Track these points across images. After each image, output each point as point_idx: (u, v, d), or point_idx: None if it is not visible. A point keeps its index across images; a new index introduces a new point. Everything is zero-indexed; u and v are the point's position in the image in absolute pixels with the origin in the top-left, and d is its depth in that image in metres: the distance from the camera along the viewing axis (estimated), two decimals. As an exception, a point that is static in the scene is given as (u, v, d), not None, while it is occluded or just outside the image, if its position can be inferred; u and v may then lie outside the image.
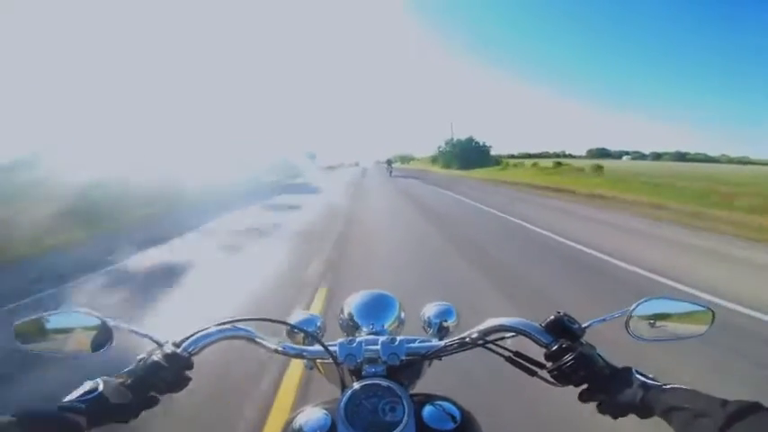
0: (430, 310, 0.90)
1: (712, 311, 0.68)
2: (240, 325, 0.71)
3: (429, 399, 0.71)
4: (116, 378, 0.59)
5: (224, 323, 0.69)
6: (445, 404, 0.70)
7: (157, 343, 0.64)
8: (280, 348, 0.74)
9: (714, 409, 0.48)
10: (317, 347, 0.72)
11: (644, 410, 0.55)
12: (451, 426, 0.66)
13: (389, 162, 35.86)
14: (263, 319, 0.72)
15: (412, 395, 0.69)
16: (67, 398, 0.53)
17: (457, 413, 0.69)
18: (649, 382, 0.56)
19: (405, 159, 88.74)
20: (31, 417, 0.47)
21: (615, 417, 0.58)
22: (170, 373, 0.60)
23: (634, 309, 0.66)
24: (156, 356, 0.61)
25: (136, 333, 0.64)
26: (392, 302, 0.88)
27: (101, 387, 0.55)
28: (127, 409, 0.56)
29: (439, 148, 49.08)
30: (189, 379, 0.62)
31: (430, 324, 0.88)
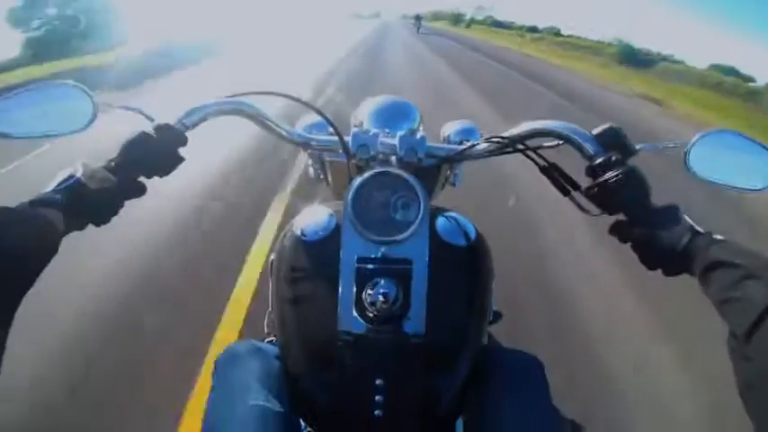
0: (451, 127, 0.81)
1: None
2: (244, 99, 0.60)
3: (443, 211, 0.65)
4: (98, 163, 0.51)
5: (228, 97, 0.60)
6: (461, 219, 0.65)
7: (148, 118, 0.55)
8: (285, 132, 0.65)
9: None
10: (328, 136, 0.65)
11: (681, 260, 0.46)
12: (464, 243, 0.62)
13: (418, 18, 30.61)
14: (275, 93, 0.61)
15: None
16: (45, 190, 0.46)
17: (472, 230, 0.64)
18: (697, 228, 0.47)
19: (432, 16, 78.32)
20: (1, 216, 0.40)
21: (649, 265, 0.50)
22: (161, 148, 0.52)
23: (697, 140, 0.55)
24: (147, 129, 0.52)
25: (124, 108, 0.55)
26: (411, 110, 0.77)
27: (79, 173, 0.47)
28: (108, 198, 0.49)
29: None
30: (181, 159, 0.55)
31: (449, 142, 0.80)
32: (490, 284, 0.66)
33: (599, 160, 0.53)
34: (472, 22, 64.93)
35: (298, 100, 0.64)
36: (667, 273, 0.49)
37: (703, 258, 0.44)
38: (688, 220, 0.49)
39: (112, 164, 0.51)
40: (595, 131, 0.56)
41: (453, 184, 0.83)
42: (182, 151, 0.55)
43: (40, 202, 0.44)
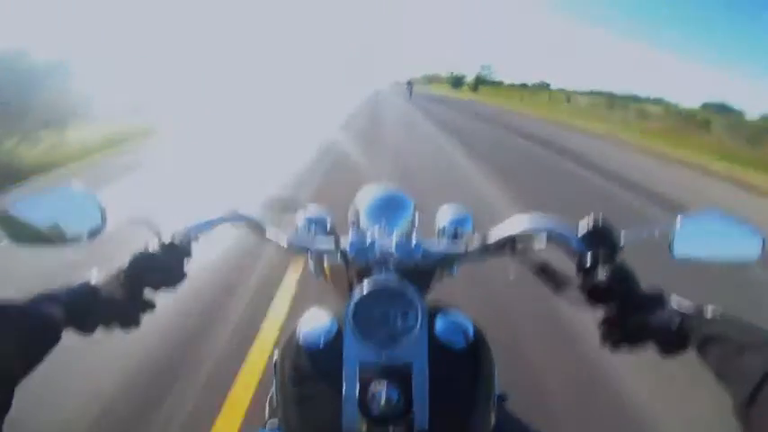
0: (445, 215, 0.84)
1: (763, 239, 0.59)
2: (243, 212, 0.65)
3: (442, 310, 0.66)
4: (109, 272, 0.54)
5: (228, 211, 0.64)
6: (460, 318, 0.66)
7: (155, 231, 0.58)
8: (284, 241, 0.68)
9: (762, 342, 0.41)
10: (326, 243, 0.67)
11: (675, 341, 0.48)
12: (463, 344, 0.62)
13: (410, 84, 31.52)
14: (270, 205, 0.67)
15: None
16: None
17: (471, 331, 0.64)
18: (689, 309, 0.49)
19: (427, 80, 73.43)
20: (3, 309, 0.43)
21: (638, 345, 0.52)
22: (166, 264, 0.55)
23: (679, 223, 0.58)
24: (152, 246, 0.56)
25: (132, 220, 0.57)
26: (406, 203, 0.81)
27: (91, 280, 0.51)
28: (118, 308, 0.52)
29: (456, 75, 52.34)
30: (185, 274, 0.58)
31: (444, 231, 0.82)
32: (492, 377, 0.66)
33: (587, 258, 0.55)
34: (479, 82, 57.72)
35: (293, 210, 0.72)
36: (665, 352, 0.50)
37: (697, 335, 0.46)
38: (675, 300, 0.51)
39: (121, 276, 0.54)
40: (581, 227, 0.59)
41: (451, 274, 0.85)
42: (187, 261, 0.58)
43: (43, 297, 0.46)
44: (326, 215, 0.80)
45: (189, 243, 0.59)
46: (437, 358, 0.58)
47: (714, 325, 0.46)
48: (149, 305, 0.56)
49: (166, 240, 0.57)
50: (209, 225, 0.62)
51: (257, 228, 0.66)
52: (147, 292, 0.55)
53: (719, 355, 0.44)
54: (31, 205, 0.56)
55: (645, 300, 0.52)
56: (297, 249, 0.69)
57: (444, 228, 0.82)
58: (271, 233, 0.67)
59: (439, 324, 0.63)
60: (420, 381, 0.56)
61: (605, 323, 0.54)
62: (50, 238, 0.57)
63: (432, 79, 71.78)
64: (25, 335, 0.43)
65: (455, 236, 0.81)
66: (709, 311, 0.48)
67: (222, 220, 0.63)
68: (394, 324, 0.58)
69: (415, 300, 0.58)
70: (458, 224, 0.82)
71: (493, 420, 0.65)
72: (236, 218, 0.64)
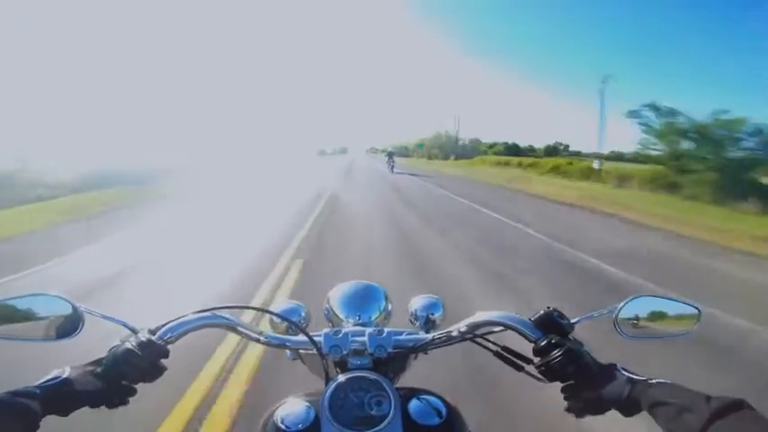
0: (417, 302, 0.89)
1: (698, 310, 0.69)
2: (220, 313, 0.68)
3: (415, 393, 0.70)
4: (85, 366, 0.57)
5: (204, 311, 0.67)
6: (431, 399, 0.69)
7: (132, 330, 0.61)
8: (262, 338, 0.72)
9: (699, 404, 0.48)
10: (301, 337, 0.70)
11: (629, 406, 0.55)
12: (437, 421, 0.65)
13: (391, 155, 25.67)
14: (246, 306, 0.72)
15: (397, 389, 0.68)
16: (30, 385, 0.51)
17: (443, 408, 0.68)
18: (635, 377, 0.56)
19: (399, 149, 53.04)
20: None
21: (600, 412, 0.58)
22: (144, 361, 0.57)
23: (623, 306, 0.66)
24: (130, 344, 0.58)
25: (109, 319, 0.61)
26: (379, 294, 0.86)
27: (65, 374, 0.53)
28: (95, 397, 0.54)
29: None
30: (164, 369, 0.60)
31: (417, 317, 0.87)
32: None
33: (541, 344, 0.62)
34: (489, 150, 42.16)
35: (267, 311, 0.77)
36: (623, 415, 0.56)
37: (646, 400, 0.53)
38: (625, 372, 0.57)
39: (98, 369, 0.56)
40: (534, 318, 0.66)
41: (425, 352, 0.88)
42: (165, 362, 0.60)
43: (20, 393, 0.49)
44: (301, 307, 0.84)
45: (165, 343, 0.61)
46: None
47: (657, 390, 0.53)
48: (129, 391, 0.58)
49: (144, 338, 0.59)
50: (187, 327, 0.64)
51: (235, 327, 0.70)
52: (124, 383, 0.57)
53: (665, 417, 0.50)
54: (9, 304, 0.61)
55: (598, 373, 0.59)
56: (274, 345, 0.72)
57: (416, 314, 0.87)
58: (248, 332, 0.71)
59: (412, 406, 0.66)
60: None
61: (566, 396, 0.61)
62: (29, 335, 0.61)
63: (401, 150, 55.50)
64: (3, 425, 0.45)
65: (427, 321, 0.86)
66: (654, 380, 0.55)
67: (200, 321, 0.66)
68: (369, 411, 0.61)
69: (388, 388, 0.63)
70: (429, 310, 0.87)
71: None
72: (214, 320, 0.67)
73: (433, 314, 0.86)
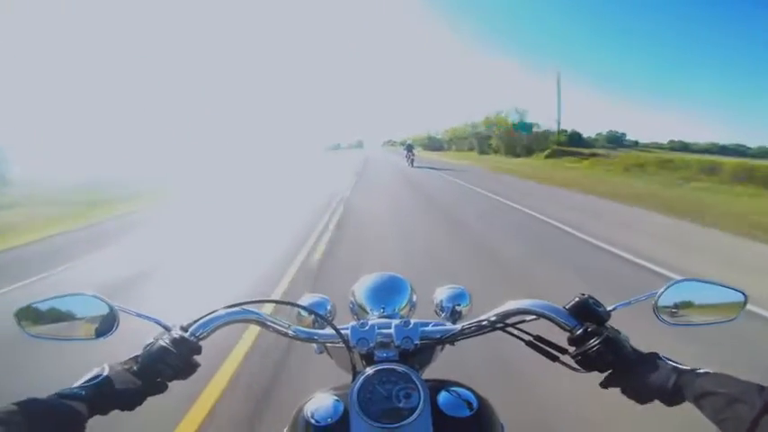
0: (442, 293, 0.87)
1: (745, 295, 0.65)
2: (249, 307, 0.68)
3: (444, 385, 0.68)
4: (122, 364, 0.58)
5: (233, 306, 0.67)
6: (461, 390, 0.67)
7: (165, 327, 0.62)
8: (290, 332, 0.71)
9: (751, 394, 0.47)
10: (328, 331, 0.70)
11: (673, 396, 0.53)
12: (468, 413, 0.64)
13: (410, 148, 22.25)
14: (273, 300, 0.71)
15: (426, 381, 0.67)
16: (73, 385, 0.52)
17: (474, 400, 0.66)
18: (680, 366, 0.54)
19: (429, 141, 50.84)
20: (31, 406, 0.47)
21: (641, 402, 0.56)
22: (177, 358, 0.58)
23: (663, 291, 0.63)
24: (164, 341, 0.59)
25: (143, 317, 0.62)
26: (404, 285, 0.85)
27: (105, 372, 0.55)
28: (133, 396, 0.55)
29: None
30: (197, 365, 0.61)
31: (442, 308, 0.85)
32: None
33: (577, 333, 0.60)
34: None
35: (294, 304, 0.75)
36: (667, 405, 0.55)
37: (692, 390, 0.51)
38: (669, 361, 0.55)
39: (135, 367, 0.58)
40: (568, 306, 0.63)
41: (453, 344, 0.87)
42: (197, 358, 0.61)
43: (67, 395, 0.50)
44: (326, 300, 0.84)
45: (197, 339, 0.62)
46: (444, 430, 0.61)
47: (707, 382, 0.51)
48: (162, 388, 0.59)
49: (177, 335, 0.60)
50: (218, 322, 0.65)
51: (263, 322, 0.70)
52: (159, 380, 0.58)
53: (715, 407, 0.49)
54: (48, 305, 0.63)
55: (639, 362, 0.57)
56: (302, 339, 0.72)
57: (442, 305, 0.86)
58: (276, 326, 0.71)
59: (442, 398, 0.65)
60: None
61: (603, 385, 0.59)
62: (68, 334, 0.64)
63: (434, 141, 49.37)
64: (52, 430, 0.47)
65: (453, 312, 0.84)
66: (701, 370, 0.53)
67: (231, 317, 0.66)
68: (397, 404, 0.60)
69: (417, 380, 0.62)
70: (455, 301, 0.85)
71: None
72: (244, 315, 0.68)
73: (459, 305, 0.85)
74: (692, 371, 0.53)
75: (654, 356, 0.57)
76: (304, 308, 0.76)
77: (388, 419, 0.59)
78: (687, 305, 0.65)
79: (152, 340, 0.60)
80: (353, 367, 0.68)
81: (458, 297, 0.86)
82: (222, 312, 0.66)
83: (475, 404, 0.65)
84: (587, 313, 0.61)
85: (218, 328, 0.65)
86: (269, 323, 0.70)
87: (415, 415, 0.59)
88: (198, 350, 0.61)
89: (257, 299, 0.69)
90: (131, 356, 0.59)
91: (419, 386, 0.61)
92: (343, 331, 0.67)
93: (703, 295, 0.66)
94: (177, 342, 0.59)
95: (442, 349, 0.85)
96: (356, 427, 0.59)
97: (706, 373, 0.52)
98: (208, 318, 0.64)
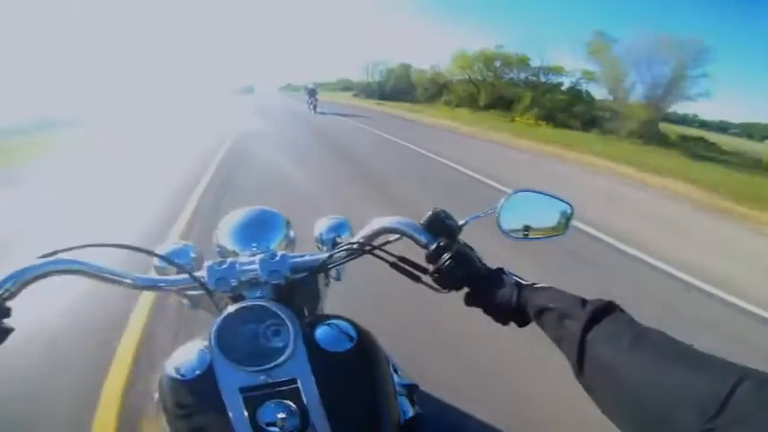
0: (322, 224, 0.83)
1: (571, 207, 0.70)
2: (69, 256, 0.55)
3: (321, 319, 0.65)
4: None
5: (49, 255, 0.54)
6: (341, 323, 0.64)
7: None
8: (128, 280, 0.61)
9: (576, 309, 0.48)
10: (182, 276, 0.61)
11: (520, 314, 0.54)
12: (348, 345, 0.61)
13: (313, 92, 17.69)
14: (111, 245, 0.56)
15: (305, 318, 0.64)
16: None
17: (353, 332, 0.63)
18: (522, 281, 0.55)
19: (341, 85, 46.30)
20: None
21: (502, 322, 0.57)
22: None
23: (503, 203, 0.65)
24: None
25: None
26: (277, 219, 0.77)
27: None
28: None
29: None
30: (9, 330, 0.50)
31: (323, 240, 0.82)
32: (385, 370, 0.66)
33: (431, 248, 0.60)
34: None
35: (129, 247, 0.61)
36: (519, 325, 0.56)
37: (531, 307, 0.52)
38: (512, 276, 0.57)
39: None
40: (423, 221, 0.63)
41: (338, 279, 0.83)
42: (8, 321, 0.50)
43: None
44: (189, 247, 0.75)
45: (2, 300, 0.51)
46: (323, 366, 0.58)
47: (541, 297, 0.52)
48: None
49: None
50: (25, 276, 0.52)
51: (89, 272, 0.58)
52: None
53: (549, 323, 0.49)
54: None
55: (487, 278, 0.57)
56: (145, 287, 0.63)
57: (322, 238, 0.82)
58: (109, 275, 0.60)
59: (319, 333, 0.62)
60: (310, 393, 0.55)
61: (467, 303, 0.59)
62: None
63: (347, 84, 43.82)
64: None
65: (334, 244, 0.80)
66: (538, 284, 0.54)
67: (43, 269, 0.54)
68: (265, 343, 0.56)
69: (283, 315, 0.57)
70: (335, 231, 0.82)
71: (406, 411, 0.66)
72: (62, 264, 0.55)
73: (340, 235, 0.81)
74: (531, 285, 0.53)
75: (499, 272, 0.57)
76: (153, 253, 0.65)
77: (256, 361, 0.55)
78: (523, 216, 0.68)
79: None
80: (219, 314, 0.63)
81: (338, 227, 0.83)
82: (29, 266, 0.53)
83: (354, 335, 0.63)
84: (440, 227, 0.61)
85: (27, 284, 0.53)
86: (96, 272, 0.58)
87: (286, 353, 0.55)
88: (6, 313, 0.50)
89: (87, 244, 0.56)
90: None
91: (287, 321, 0.56)
92: (198, 274, 0.60)
93: (537, 205, 0.69)
94: None
95: (328, 284, 0.82)
96: (222, 374, 0.55)
97: (542, 288, 0.53)
98: (10, 274, 0.51)
